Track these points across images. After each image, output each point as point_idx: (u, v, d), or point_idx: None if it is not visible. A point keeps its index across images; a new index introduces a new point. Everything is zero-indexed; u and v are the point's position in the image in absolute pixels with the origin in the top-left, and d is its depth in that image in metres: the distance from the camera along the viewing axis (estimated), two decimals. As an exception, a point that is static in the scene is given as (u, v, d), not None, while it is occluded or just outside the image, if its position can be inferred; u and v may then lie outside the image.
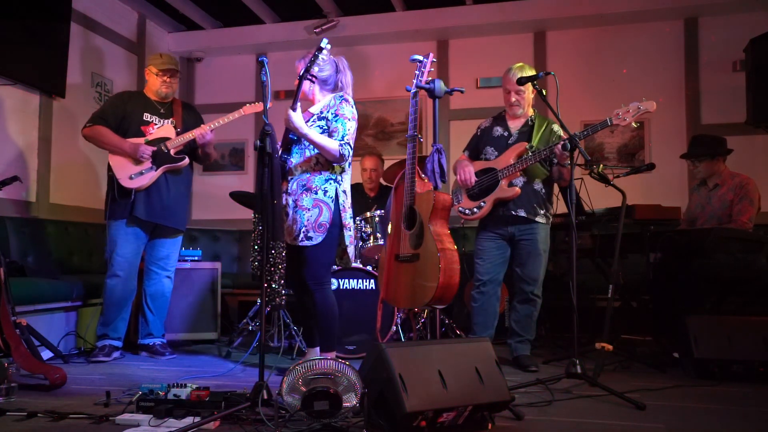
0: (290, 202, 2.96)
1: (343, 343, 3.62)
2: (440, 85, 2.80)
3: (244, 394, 2.25)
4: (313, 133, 2.88)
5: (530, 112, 3.47)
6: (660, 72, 5.21)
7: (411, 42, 5.68)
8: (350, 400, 2.04)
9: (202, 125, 3.67)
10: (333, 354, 3.01)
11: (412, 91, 2.83)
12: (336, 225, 2.97)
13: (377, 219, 3.90)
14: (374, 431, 2.02)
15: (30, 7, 4.24)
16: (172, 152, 3.62)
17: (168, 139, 3.63)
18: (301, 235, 2.91)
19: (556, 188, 3.51)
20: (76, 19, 4.77)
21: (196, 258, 4.31)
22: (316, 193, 2.94)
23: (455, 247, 2.73)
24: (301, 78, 2.87)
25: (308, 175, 2.97)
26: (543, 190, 3.40)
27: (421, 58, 2.86)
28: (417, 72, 2.84)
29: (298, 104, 2.87)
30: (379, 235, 3.87)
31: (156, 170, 3.58)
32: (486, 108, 4.92)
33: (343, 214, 2.99)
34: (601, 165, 3.23)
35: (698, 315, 3.31)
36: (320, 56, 2.84)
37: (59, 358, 3.43)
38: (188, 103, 4.16)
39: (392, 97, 5.73)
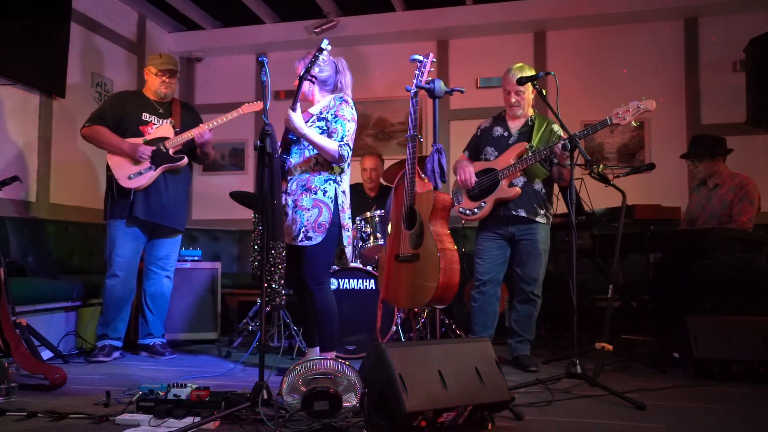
0: (289, 202, 2.96)
1: (343, 343, 3.62)
2: (440, 85, 2.81)
3: (244, 394, 2.25)
4: (313, 133, 2.88)
5: (530, 112, 3.47)
6: (660, 72, 5.21)
7: (411, 42, 5.68)
8: (350, 400, 2.04)
9: (200, 125, 3.67)
10: (333, 354, 3.01)
11: (412, 91, 2.83)
12: (335, 225, 2.97)
13: (377, 219, 3.90)
14: (374, 431, 2.02)
15: (30, 7, 4.24)
16: (170, 152, 3.62)
17: (167, 138, 3.63)
18: (301, 235, 2.91)
19: (556, 188, 3.51)
20: (76, 19, 4.77)
21: (196, 258, 4.31)
22: (316, 194, 2.94)
23: (455, 247, 2.74)
24: (302, 78, 2.87)
25: (308, 176, 2.97)
26: (543, 190, 3.40)
27: (421, 58, 2.86)
28: (417, 72, 2.84)
29: (298, 104, 2.87)
30: (379, 235, 3.87)
31: (155, 170, 3.58)
32: (486, 108, 4.92)
33: (341, 215, 2.99)
34: (601, 165, 3.23)
35: (698, 315, 3.31)
36: (321, 57, 2.84)
37: (59, 358, 3.43)
38: (187, 103, 4.16)
39: (392, 97, 5.73)
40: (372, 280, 3.71)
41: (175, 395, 2.23)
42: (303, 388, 2.03)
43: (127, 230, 3.62)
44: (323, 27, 5.57)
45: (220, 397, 2.23)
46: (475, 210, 3.40)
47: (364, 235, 3.93)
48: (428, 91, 2.81)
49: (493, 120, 3.57)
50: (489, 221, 3.42)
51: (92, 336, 3.79)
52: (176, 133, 3.66)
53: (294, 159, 3.01)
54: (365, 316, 3.64)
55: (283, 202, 2.94)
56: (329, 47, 2.83)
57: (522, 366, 3.30)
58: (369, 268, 3.76)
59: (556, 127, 3.40)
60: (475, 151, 3.57)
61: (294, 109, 2.85)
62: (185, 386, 2.26)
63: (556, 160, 3.29)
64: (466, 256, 4.00)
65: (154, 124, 3.69)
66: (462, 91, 2.94)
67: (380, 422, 2.03)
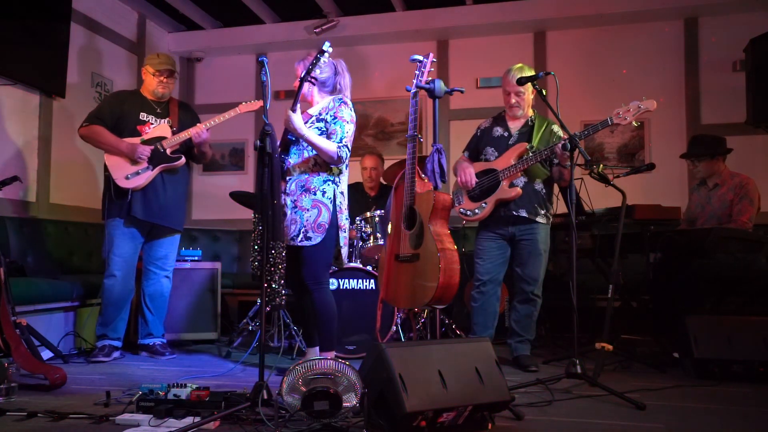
0: (288, 202, 2.97)
1: (343, 343, 3.62)
2: (440, 85, 2.81)
3: (244, 394, 2.25)
4: (312, 134, 2.89)
5: (530, 112, 3.47)
6: (660, 72, 5.21)
7: (411, 42, 5.68)
8: (350, 400, 2.04)
9: (198, 124, 3.67)
10: (332, 354, 3.01)
11: (412, 91, 2.83)
12: (334, 226, 2.99)
13: (377, 219, 3.90)
14: (374, 431, 2.02)
15: (30, 7, 4.24)
16: (168, 152, 3.62)
17: (164, 138, 3.63)
18: (301, 235, 2.92)
19: (556, 188, 3.51)
20: (77, 19, 4.77)
21: (196, 258, 4.31)
22: (315, 194, 2.95)
23: (455, 247, 2.74)
24: (302, 80, 2.88)
25: (306, 176, 2.98)
26: (543, 190, 3.40)
27: (421, 58, 2.86)
28: (417, 72, 2.84)
29: (298, 105, 2.88)
30: (379, 235, 3.87)
31: (152, 170, 3.58)
32: (486, 108, 4.92)
33: (339, 216, 3.01)
34: (601, 165, 3.23)
35: (698, 315, 3.31)
36: (322, 59, 2.85)
37: (59, 358, 3.43)
38: (185, 103, 4.15)
39: (392, 97, 5.73)
40: (372, 280, 3.71)
41: (175, 395, 2.23)
42: (303, 388, 2.03)
43: (125, 230, 3.62)
44: (323, 27, 5.57)
45: (220, 397, 2.23)
46: (476, 211, 3.40)
47: (364, 235, 3.93)
48: (428, 91, 2.81)
49: (492, 120, 3.57)
50: (489, 221, 3.42)
51: (92, 336, 3.79)
52: (174, 133, 3.66)
53: (293, 159, 3.01)
54: (365, 316, 3.64)
55: (282, 202, 2.94)
56: (330, 49, 2.83)
57: (522, 366, 3.30)
58: (369, 268, 3.76)
59: (556, 127, 3.40)
60: (474, 152, 3.57)
61: (294, 110, 2.85)
62: (185, 386, 2.26)
63: (556, 161, 3.29)
64: (466, 256, 4.00)
65: (152, 124, 3.69)
66: (462, 91, 2.95)
67: (380, 422, 2.03)
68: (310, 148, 2.95)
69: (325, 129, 2.95)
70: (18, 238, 4.01)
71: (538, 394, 2.61)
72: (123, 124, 3.64)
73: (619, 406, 2.45)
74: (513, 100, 3.39)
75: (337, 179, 3.02)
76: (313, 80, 2.94)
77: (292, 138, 3.00)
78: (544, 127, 3.41)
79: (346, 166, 3.07)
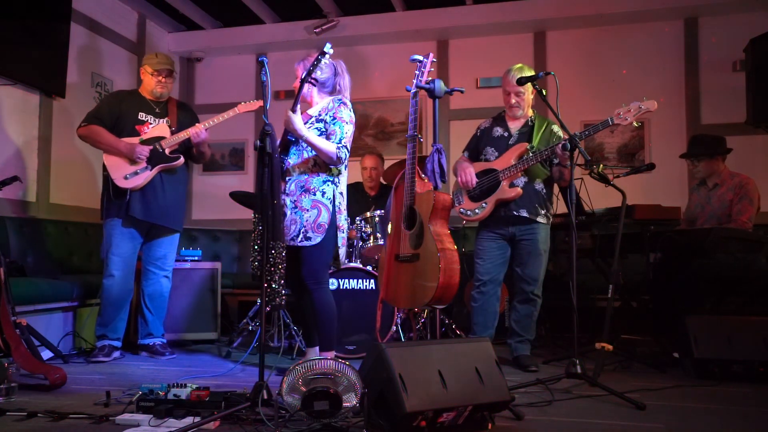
0: (288, 202, 2.97)
1: (343, 343, 3.62)
2: (440, 85, 2.81)
3: (244, 394, 2.25)
4: (312, 135, 2.90)
5: (530, 113, 3.47)
6: (660, 72, 5.21)
7: (411, 42, 5.68)
8: (350, 400, 2.04)
9: (197, 124, 3.66)
10: (332, 353, 3.01)
11: (412, 91, 2.83)
12: (333, 226, 3.00)
13: (377, 219, 3.90)
14: (374, 431, 2.02)
15: (30, 7, 4.24)
16: (167, 151, 3.61)
17: (163, 138, 3.62)
18: (300, 235, 2.92)
19: (556, 188, 3.51)
20: (77, 19, 4.77)
21: (196, 258, 4.31)
22: (315, 195, 2.96)
23: (455, 247, 2.74)
24: (303, 81, 2.88)
25: (306, 177, 2.99)
26: (544, 190, 3.40)
27: (421, 58, 2.86)
28: (417, 72, 2.84)
29: (298, 106, 2.88)
30: (379, 235, 3.87)
31: (151, 170, 3.58)
32: (486, 108, 4.92)
33: (338, 216, 3.02)
34: (601, 165, 3.23)
35: (698, 315, 3.31)
36: (323, 61, 2.85)
37: (59, 358, 3.43)
38: (184, 103, 4.14)
39: (392, 97, 5.73)
40: (372, 280, 3.71)
41: (175, 395, 2.23)
42: (303, 388, 2.03)
43: (123, 230, 3.61)
44: (323, 27, 5.57)
45: (220, 397, 2.23)
46: (477, 211, 3.40)
47: (364, 235, 3.93)
48: (428, 91, 2.81)
49: (492, 120, 3.57)
50: (489, 221, 3.42)
51: (92, 336, 3.79)
52: (172, 133, 3.66)
53: (292, 160, 3.02)
54: (365, 316, 3.64)
55: (282, 202, 2.95)
56: (331, 51, 2.84)
57: (522, 366, 3.30)
58: (369, 268, 3.76)
59: (555, 127, 3.41)
60: (474, 152, 3.57)
61: (294, 111, 2.85)
62: (185, 386, 2.26)
63: (556, 161, 3.29)
64: (466, 256, 4.00)
65: (151, 124, 3.68)
66: (462, 91, 2.95)
67: (380, 422, 2.03)
68: (309, 148, 2.96)
69: (324, 130, 2.96)
70: (18, 238, 4.01)
71: (538, 394, 2.61)
72: (122, 124, 3.63)
73: (619, 406, 2.45)
74: (513, 101, 3.39)
75: (336, 180, 3.03)
76: (313, 81, 2.95)
77: (291, 138, 3.00)
78: (544, 127, 3.41)
79: (345, 166, 3.07)
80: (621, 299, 3.99)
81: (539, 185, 3.38)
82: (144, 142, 3.60)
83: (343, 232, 3.08)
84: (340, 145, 2.92)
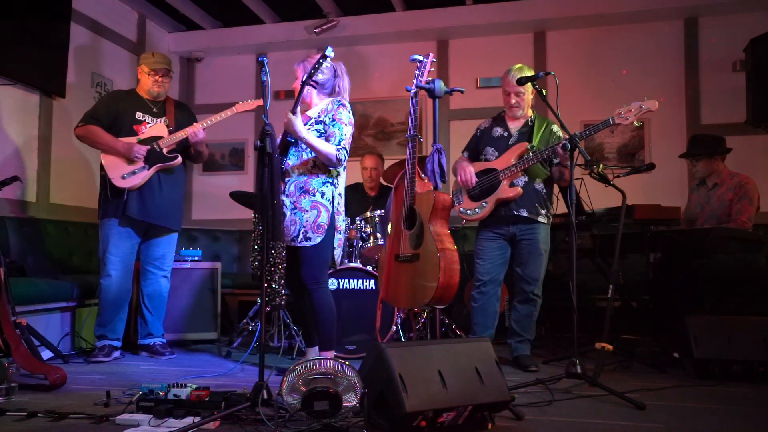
0: (287, 203, 2.98)
1: (343, 343, 3.62)
2: (440, 85, 2.81)
3: (244, 394, 2.25)
4: (312, 137, 2.90)
5: (530, 113, 3.47)
6: (660, 72, 5.21)
7: (411, 42, 5.67)
8: (350, 400, 2.04)
9: (194, 123, 3.66)
10: (332, 353, 3.02)
11: (412, 91, 2.83)
12: (332, 226, 3.00)
13: (377, 219, 3.90)
14: (374, 431, 2.02)
15: (30, 7, 4.24)
16: (164, 151, 3.61)
17: (161, 138, 3.62)
18: (300, 236, 2.93)
19: (556, 188, 3.51)
20: (77, 19, 4.77)
21: (196, 258, 4.31)
22: (314, 196, 2.97)
23: (455, 247, 2.74)
24: (304, 84, 2.88)
25: (305, 178, 2.99)
26: (544, 190, 3.40)
27: (421, 58, 2.86)
28: (417, 72, 2.84)
29: (298, 108, 2.88)
30: (379, 235, 3.87)
31: (148, 169, 3.57)
32: (486, 108, 4.92)
33: (336, 217, 3.03)
34: (601, 165, 3.23)
35: (698, 315, 3.31)
36: (324, 64, 2.85)
37: (59, 358, 3.43)
38: (181, 102, 4.14)
39: (392, 97, 5.73)
40: (372, 280, 3.71)
41: (175, 395, 2.23)
42: (303, 388, 2.03)
43: (121, 230, 3.61)
44: (323, 27, 5.57)
45: (220, 397, 2.23)
46: (476, 210, 3.40)
47: (364, 235, 3.93)
48: (428, 91, 2.81)
49: (492, 121, 3.57)
50: (489, 221, 3.42)
51: (92, 336, 3.79)
52: (170, 132, 3.65)
53: (292, 161, 3.02)
54: (365, 316, 3.64)
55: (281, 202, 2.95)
56: (333, 54, 2.84)
57: (522, 366, 3.30)
58: (369, 268, 3.75)
59: (555, 127, 3.41)
60: (474, 152, 3.56)
61: (295, 113, 2.86)
62: (185, 386, 2.26)
63: (556, 161, 3.29)
64: (466, 256, 4.00)
65: (148, 123, 3.68)
66: (462, 91, 2.95)
67: (380, 422, 2.02)
68: (308, 149, 2.97)
69: (323, 131, 2.97)
70: (18, 238, 4.01)
71: (538, 394, 2.61)
72: (119, 123, 3.63)
73: (619, 406, 2.45)
74: (513, 101, 3.39)
75: (335, 181, 3.04)
76: (313, 84, 2.96)
77: (291, 140, 3.01)
78: (544, 127, 3.41)
79: (344, 167, 3.08)
80: (621, 299, 3.99)
81: (539, 185, 3.38)
82: (142, 142, 3.59)
83: (341, 233, 3.09)
84: (339, 146, 2.93)
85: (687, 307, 3.42)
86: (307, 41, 5.74)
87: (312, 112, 3.06)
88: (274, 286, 2.57)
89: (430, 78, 2.83)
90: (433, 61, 2.87)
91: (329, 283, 3.14)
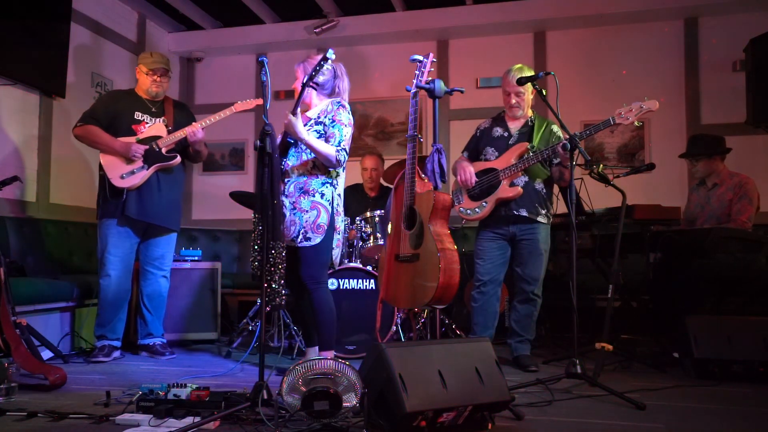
0: (287, 203, 2.98)
1: (343, 343, 3.62)
2: (440, 85, 2.81)
3: (244, 394, 2.25)
4: (312, 138, 2.91)
5: (529, 113, 3.47)
6: (660, 72, 5.21)
7: (411, 42, 5.68)
8: (350, 400, 2.04)
9: (193, 123, 3.66)
10: (331, 353, 3.02)
11: (412, 91, 2.83)
12: (332, 227, 3.01)
13: (377, 219, 3.90)
14: (374, 431, 2.02)
15: (30, 7, 4.24)
16: (163, 151, 3.61)
17: (159, 137, 3.62)
18: (300, 236, 2.93)
19: (556, 188, 3.51)
20: (77, 19, 4.77)
21: (196, 258, 4.31)
22: (314, 196, 2.97)
23: (455, 247, 2.74)
24: (304, 86, 2.88)
25: (305, 179, 3.00)
26: (544, 190, 3.40)
27: (421, 58, 2.86)
28: (417, 72, 2.84)
29: (299, 110, 2.88)
30: (379, 235, 3.87)
31: (147, 169, 3.57)
32: (486, 108, 4.92)
33: (336, 218, 3.03)
34: (601, 165, 3.23)
35: (698, 315, 3.31)
36: (326, 66, 2.85)
37: (59, 358, 3.43)
38: (180, 102, 4.13)
39: (392, 97, 5.73)
40: (372, 280, 3.71)
41: (175, 395, 2.23)
42: (303, 388, 2.03)
43: (119, 230, 3.61)
44: (323, 27, 5.57)
45: (220, 397, 2.23)
46: (476, 210, 3.40)
47: (364, 235, 3.93)
48: (428, 91, 2.81)
49: (492, 121, 3.57)
50: (489, 221, 3.42)
51: (92, 336, 3.79)
52: (169, 132, 3.65)
53: (291, 162, 3.03)
54: (365, 316, 3.64)
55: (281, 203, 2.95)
56: (334, 56, 2.84)
57: (522, 366, 3.30)
58: (369, 268, 3.75)
59: (555, 127, 3.41)
60: (474, 152, 3.56)
61: (295, 114, 2.86)
62: (185, 386, 2.26)
63: (556, 161, 3.29)
64: (466, 256, 4.00)
65: (147, 123, 3.68)
66: (462, 91, 2.94)
67: (380, 422, 2.03)
68: (308, 150, 2.97)
69: (323, 132, 2.97)
70: (18, 238, 4.01)
71: (538, 394, 2.61)
72: (118, 123, 3.62)
73: (619, 406, 2.45)
74: (513, 101, 3.39)
75: (334, 182, 3.05)
76: (314, 86, 2.96)
77: (291, 140, 3.01)
78: (544, 128, 3.41)
79: (343, 168, 3.08)
80: (621, 299, 3.99)
81: (539, 185, 3.38)
82: (140, 142, 3.59)
83: (339, 234, 3.09)
84: (339, 148, 2.93)
85: (687, 307, 3.42)
86: (307, 41, 5.74)
87: (312, 113, 3.06)
88: (274, 286, 2.57)
89: (430, 78, 2.83)
90: (433, 61, 2.87)
91: (329, 283, 3.14)
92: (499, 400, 2.10)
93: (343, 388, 2.04)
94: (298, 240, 2.94)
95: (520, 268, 3.39)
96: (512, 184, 3.32)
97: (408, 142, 2.81)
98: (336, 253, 3.12)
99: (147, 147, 3.56)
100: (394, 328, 3.65)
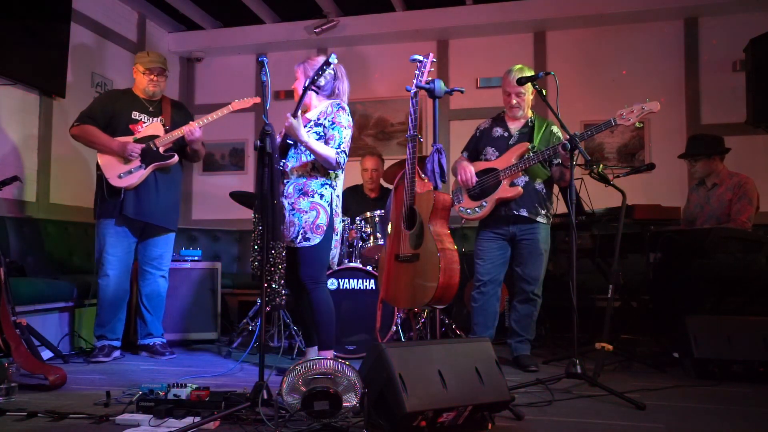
0: (286, 204, 2.98)
1: (343, 343, 3.62)
2: (440, 85, 2.80)
3: (244, 394, 2.25)
4: (312, 140, 2.91)
5: (529, 113, 3.47)
6: (660, 72, 5.21)
7: (411, 42, 5.68)
8: (350, 400, 2.04)
9: (190, 122, 3.65)
10: (331, 352, 3.02)
11: (412, 91, 2.83)
12: (331, 227, 3.01)
13: (377, 219, 3.90)
14: (374, 431, 2.02)
15: (30, 7, 4.24)
16: (161, 150, 3.60)
17: (157, 137, 3.61)
18: (299, 236, 2.93)
19: (556, 188, 3.51)
20: (77, 19, 4.77)
21: (196, 258, 4.30)
22: (313, 197, 2.98)
23: (455, 247, 2.74)
24: (306, 89, 2.89)
25: (304, 180, 3.00)
26: (544, 190, 3.40)
27: (421, 58, 2.86)
28: (417, 72, 2.84)
29: (299, 112, 2.88)
30: (379, 235, 3.87)
31: (145, 168, 3.57)
32: (486, 108, 4.92)
33: (335, 218, 3.04)
34: (601, 165, 3.23)
35: (698, 315, 3.31)
36: (327, 70, 2.85)
37: (59, 358, 3.43)
38: (178, 101, 4.13)
39: (392, 97, 5.73)
40: (372, 280, 3.71)
41: (175, 395, 2.23)
42: (303, 388, 2.03)
43: (118, 230, 3.61)
44: (323, 27, 5.57)
45: (220, 397, 2.23)
46: (476, 209, 3.40)
47: (364, 235, 3.92)
48: (428, 91, 2.81)
49: (492, 121, 3.57)
50: (489, 221, 3.42)
51: (92, 336, 3.78)
52: (166, 131, 3.64)
53: (291, 163, 3.03)
54: (365, 316, 3.63)
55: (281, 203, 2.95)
56: (336, 61, 2.84)
57: (522, 366, 3.30)
58: (369, 268, 3.75)
59: (555, 128, 3.41)
60: (474, 152, 3.56)
61: (295, 116, 2.86)
62: (185, 386, 2.26)
63: (556, 161, 3.29)
64: (466, 256, 4.00)
65: (144, 123, 3.67)
66: (462, 91, 2.94)
67: (380, 422, 2.02)
68: (308, 152, 2.97)
69: (323, 134, 2.97)
70: (18, 238, 4.00)
71: (538, 394, 2.61)
72: (115, 123, 3.62)
73: (619, 406, 2.45)
74: (513, 101, 3.39)
75: (333, 183, 3.05)
76: (315, 89, 2.96)
77: (290, 142, 3.01)
78: (544, 128, 3.41)
79: (342, 169, 3.09)
80: (621, 299, 3.99)
81: (539, 185, 3.38)
82: (138, 141, 3.58)
83: (338, 235, 3.10)
84: (339, 150, 2.94)
85: (687, 307, 3.42)
86: (307, 41, 5.74)
87: (311, 115, 3.06)
88: (274, 286, 2.58)
89: (430, 78, 2.83)
90: (433, 61, 2.86)
91: (329, 283, 3.14)
92: (499, 400, 2.10)
93: (343, 388, 2.04)
94: (298, 240, 2.94)
95: (520, 268, 3.39)
96: (512, 184, 3.32)
97: (408, 142, 2.81)
98: (334, 253, 3.12)
99: (144, 146, 3.56)
100: (394, 328, 3.65)
